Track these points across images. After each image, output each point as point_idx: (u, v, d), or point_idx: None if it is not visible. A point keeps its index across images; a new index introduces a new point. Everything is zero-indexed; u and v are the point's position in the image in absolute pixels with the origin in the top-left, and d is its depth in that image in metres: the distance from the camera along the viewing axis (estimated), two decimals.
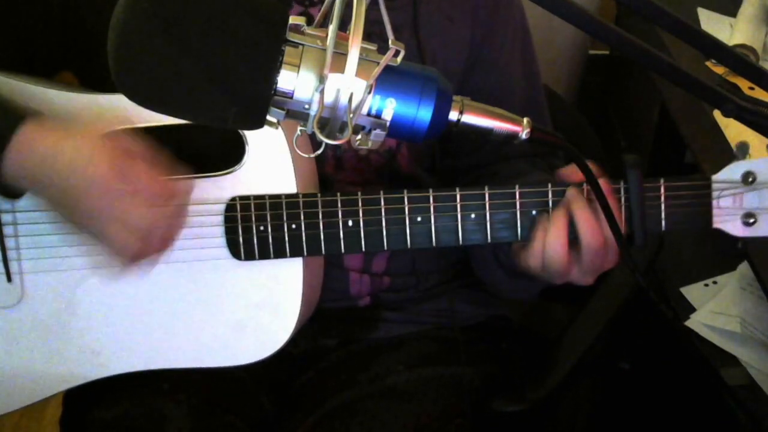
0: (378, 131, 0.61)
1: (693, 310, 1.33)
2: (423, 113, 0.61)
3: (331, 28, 0.57)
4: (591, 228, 0.84)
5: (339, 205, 0.90)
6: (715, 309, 1.32)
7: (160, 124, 0.91)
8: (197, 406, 1.01)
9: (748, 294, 1.32)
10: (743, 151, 0.87)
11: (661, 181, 0.85)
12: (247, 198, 0.91)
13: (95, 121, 0.92)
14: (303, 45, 0.58)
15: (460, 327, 1.13)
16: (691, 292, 1.37)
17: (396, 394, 1.04)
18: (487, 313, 1.16)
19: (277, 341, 0.95)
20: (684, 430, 1.41)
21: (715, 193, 0.85)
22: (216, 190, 0.91)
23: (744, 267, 1.35)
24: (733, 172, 0.84)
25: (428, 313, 1.12)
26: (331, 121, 0.59)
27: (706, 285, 1.38)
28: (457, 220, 0.89)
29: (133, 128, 0.92)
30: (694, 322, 1.30)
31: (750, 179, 0.84)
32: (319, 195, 0.91)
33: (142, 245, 0.86)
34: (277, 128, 0.66)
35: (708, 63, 1.38)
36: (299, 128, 0.62)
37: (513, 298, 1.16)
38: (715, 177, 0.85)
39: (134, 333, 0.95)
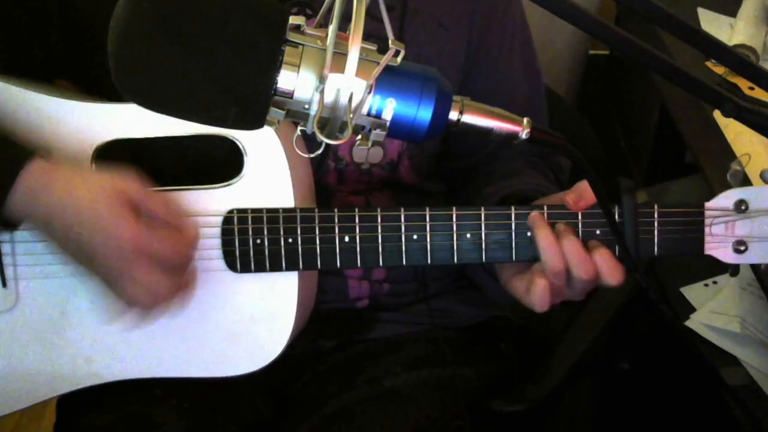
0: (378, 131, 0.61)
1: (693, 310, 1.33)
2: (423, 113, 0.61)
3: (331, 28, 0.57)
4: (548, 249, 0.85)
5: (336, 221, 0.90)
6: (715, 309, 1.32)
7: (157, 136, 0.91)
8: (190, 411, 1.01)
9: (748, 294, 1.32)
10: (736, 178, 0.87)
11: (655, 206, 0.86)
12: (244, 211, 0.91)
13: (93, 130, 0.92)
14: (303, 45, 0.58)
15: (458, 327, 1.13)
16: (691, 292, 1.37)
17: (394, 396, 1.03)
18: (485, 313, 1.16)
19: (271, 353, 0.95)
20: (684, 430, 1.41)
21: (707, 221, 0.85)
22: (213, 202, 0.91)
23: (744, 267, 1.35)
24: (726, 199, 0.84)
25: (426, 314, 1.12)
26: (331, 120, 0.59)
27: (706, 285, 1.38)
28: (452, 239, 0.89)
29: (131, 139, 0.92)
30: (694, 322, 1.30)
31: (743, 207, 0.84)
32: (316, 210, 0.91)
33: (153, 301, 0.87)
34: (276, 128, 0.66)
35: (708, 63, 1.38)
36: (298, 129, 0.62)
37: (501, 300, 1.16)
38: (708, 204, 0.85)
39: (128, 342, 0.95)
